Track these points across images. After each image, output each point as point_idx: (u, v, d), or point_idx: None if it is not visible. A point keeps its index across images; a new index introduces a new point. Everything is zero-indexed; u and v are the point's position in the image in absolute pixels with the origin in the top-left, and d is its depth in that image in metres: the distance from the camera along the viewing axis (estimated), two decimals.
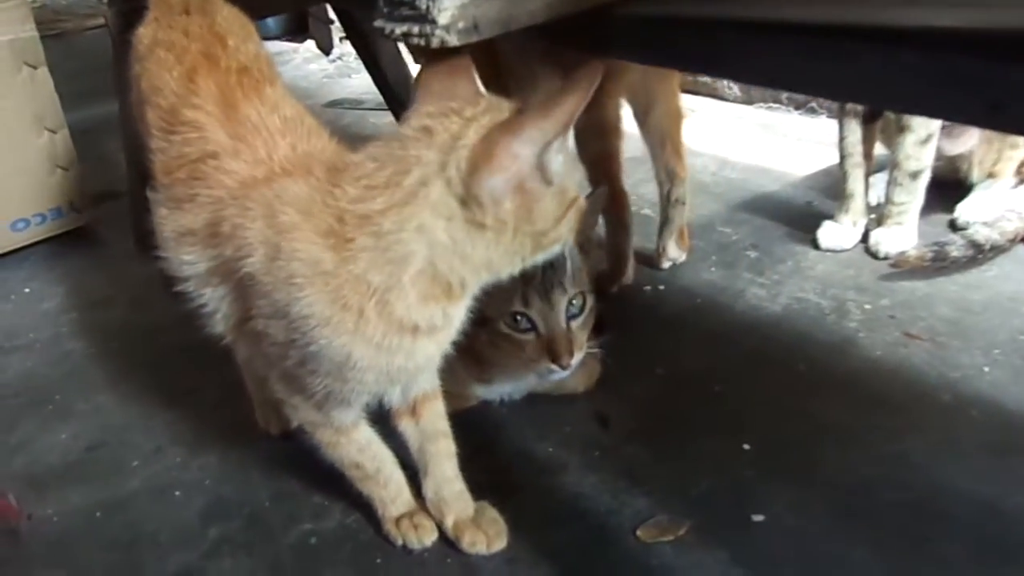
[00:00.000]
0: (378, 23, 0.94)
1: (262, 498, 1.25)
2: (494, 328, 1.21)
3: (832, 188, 1.93)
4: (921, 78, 0.76)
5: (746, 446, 1.25)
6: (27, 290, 1.93)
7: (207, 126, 1.01)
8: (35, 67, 1.91)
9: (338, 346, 0.89)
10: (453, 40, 0.89)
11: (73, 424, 1.45)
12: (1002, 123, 0.73)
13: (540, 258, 0.91)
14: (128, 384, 1.55)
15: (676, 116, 1.73)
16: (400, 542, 1.14)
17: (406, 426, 1.14)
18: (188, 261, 1.03)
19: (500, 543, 1.12)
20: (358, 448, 1.10)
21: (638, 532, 1.12)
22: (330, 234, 0.86)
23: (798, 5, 0.90)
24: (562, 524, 1.15)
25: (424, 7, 0.88)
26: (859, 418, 1.29)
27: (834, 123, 1.81)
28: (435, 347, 0.95)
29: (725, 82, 2.64)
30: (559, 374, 1.22)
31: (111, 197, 2.28)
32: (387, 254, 0.84)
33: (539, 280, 1.19)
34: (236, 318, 1.03)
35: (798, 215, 1.90)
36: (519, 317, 1.21)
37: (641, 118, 1.75)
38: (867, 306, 1.56)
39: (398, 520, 1.14)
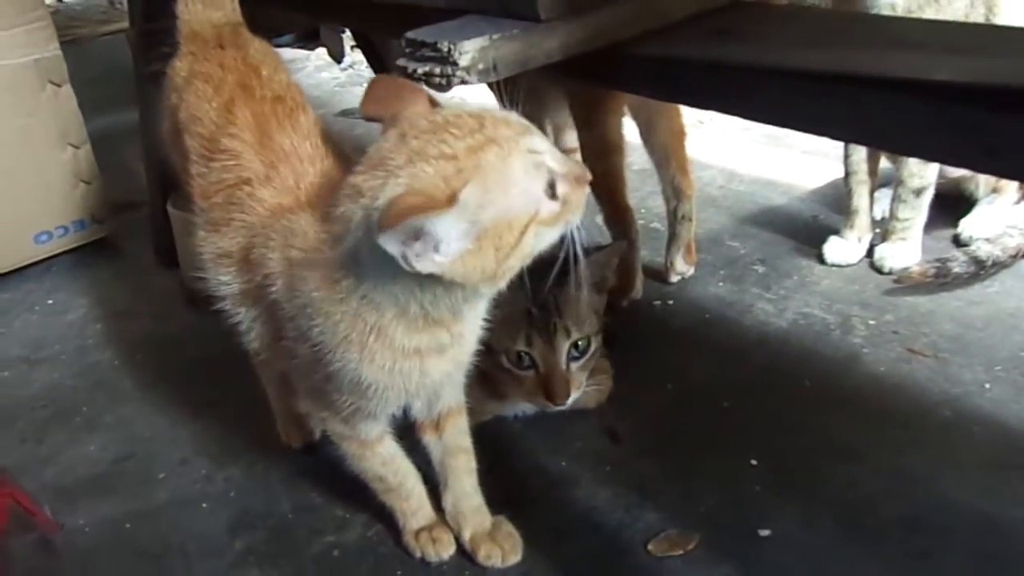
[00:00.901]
0: (400, 62, 0.98)
1: (285, 510, 1.30)
2: (496, 360, 1.27)
3: (838, 202, 1.96)
4: (920, 124, 0.80)
5: (753, 461, 1.29)
6: (51, 301, 1.98)
7: (243, 154, 1.07)
8: (59, 85, 1.96)
9: (351, 371, 0.94)
10: (473, 80, 0.94)
11: (101, 436, 1.50)
12: (997, 168, 0.77)
13: (525, 262, 0.89)
14: (153, 395, 1.60)
15: (679, 133, 1.75)
16: (419, 554, 1.19)
17: (429, 439, 1.18)
18: (224, 282, 1.09)
19: (515, 557, 1.16)
20: (382, 461, 1.15)
21: (649, 546, 1.16)
22: (326, 274, 0.91)
23: (802, 50, 0.94)
24: (575, 537, 1.20)
25: (446, 49, 0.92)
26: (863, 433, 1.33)
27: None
28: (449, 364, 0.99)
29: None
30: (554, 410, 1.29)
31: (130, 208, 2.33)
32: (365, 302, 0.89)
33: (544, 322, 1.25)
34: (269, 337, 1.09)
35: (804, 229, 1.94)
36: (521, 355, 1.27)
37: (645, 135, 1.78)
38: (871, 321, 1.59)
39: (417, 533, 1.19)
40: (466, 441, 1.19)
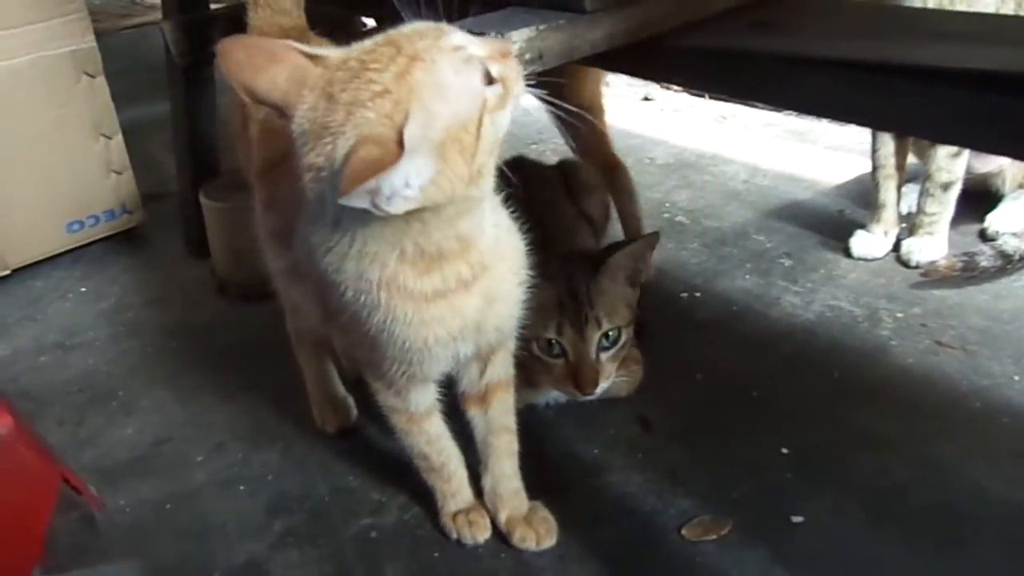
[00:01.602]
0: None
1: (322, 493, 1.32)
2: (526, 347, 1.28)
3: (863, 196, 1.97)
4: (957, 112, 0.82)
5: (784, 450, 1.31)
6: (83, 289, 2.01)
7: None
8: (94, 76, 1.99)
9: (385, 333, 0.93)
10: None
11: (137, 419, 1.53)
12: None
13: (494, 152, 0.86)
14: (188, 381, 1.62)
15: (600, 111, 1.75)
16: (455, 536, 1.21)
17: (475, 414, 1.18)
18: (273, 258, 1.12)
19: (550, 540, 1.18)
20: (427, 439, 1.16)
21: (683, 531, 1.18)
22: (327, 245, 0.90)
23: (841, 41, 0.96)
24: (610, 522, 1.22)
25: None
26: (892, 424, 1.34)
27: (864, 131, 1.85)
28: (480, 299, 0.95)
29: None
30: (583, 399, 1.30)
31: (158, 198, 2.36)
32: (366, 260, 0.88)
33: (575, 311, 1.27)
34: (320, 313, 1.10)
35: (830, 223, 1.95)
36: (551, 343, 1.28)
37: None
38: (899, 314, 1.61)
39: (455, 515, 1.21)
40: (510, 420, 1.19)
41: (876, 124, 1.06)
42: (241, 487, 1.35)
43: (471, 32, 0.96)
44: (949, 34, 0.98)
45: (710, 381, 1.48)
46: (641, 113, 2.81)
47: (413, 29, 0.82)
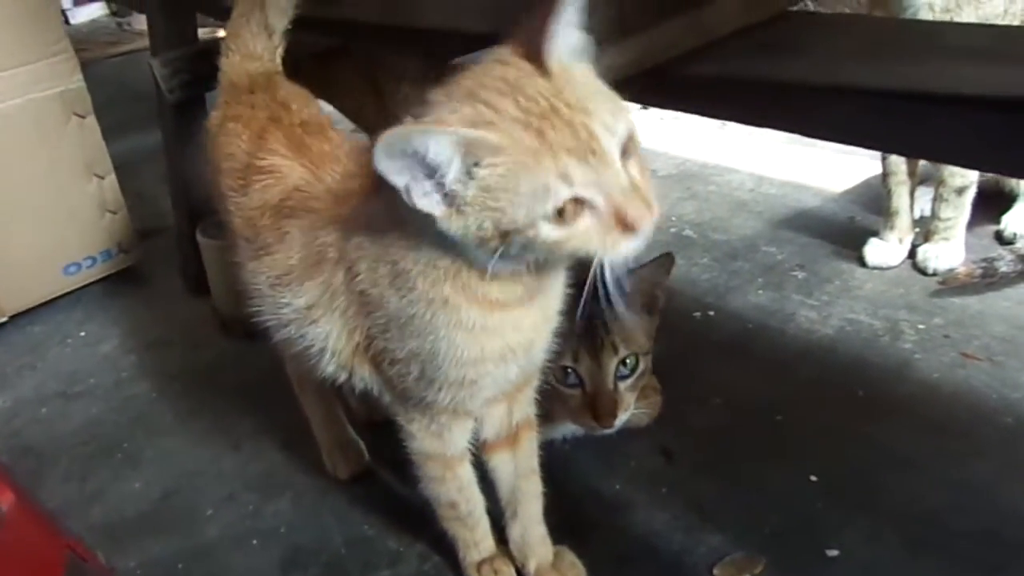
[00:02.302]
0: None
1: (337, 545, 1.28)
2: (543, 378, 1.23)
3: (874, 202, 1.94)
4: (981, 137, 0.78)
5: (813, 477, 1.27)
6: (83, 333, 1.97)
7: (282, 167, 1.05)
8: (83, 116, 1.95)
9: (443, 340, 0.90)
10: None
11: (144, 471, 1.49)
12: None
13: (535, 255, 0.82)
14: (194, 427, 1.58)
15: None
16: None
17: (503, 459, 1.14)
18: (286, 302, 1.04)
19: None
20: (459, 487, 1.11)
21: (715, 571, 1.14)
22: (391, 235, 0.88)
23: (855, 65, 0.92)
24: (637, 564, 1.18)
25: None
26: (921, 444, 1.30)
27: None
28: (539, 314, 0.94)
29: None
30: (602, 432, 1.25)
31: (153, 234, 2.33)
32: (429, 251, 0.86)
33: (591, 337, 1.22)
34: (351, 348, 1.03)
35: (841, 232, 1.91)
36: (568, 371, 1.23)
37: None
38: (920, 326, 1.57)
39: (479, 565, 1.17)
40: (535, 462, 1.16)
41: (896, 150, 1.02)
42: (254, 541, 1.31)
43: None
44: (962, 51, 0.94)
45: (731, 406, 1.44)
46: (640, 123, 2.76)
47: (579, 124, 0.75)
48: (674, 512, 1.25)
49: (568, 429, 1.37)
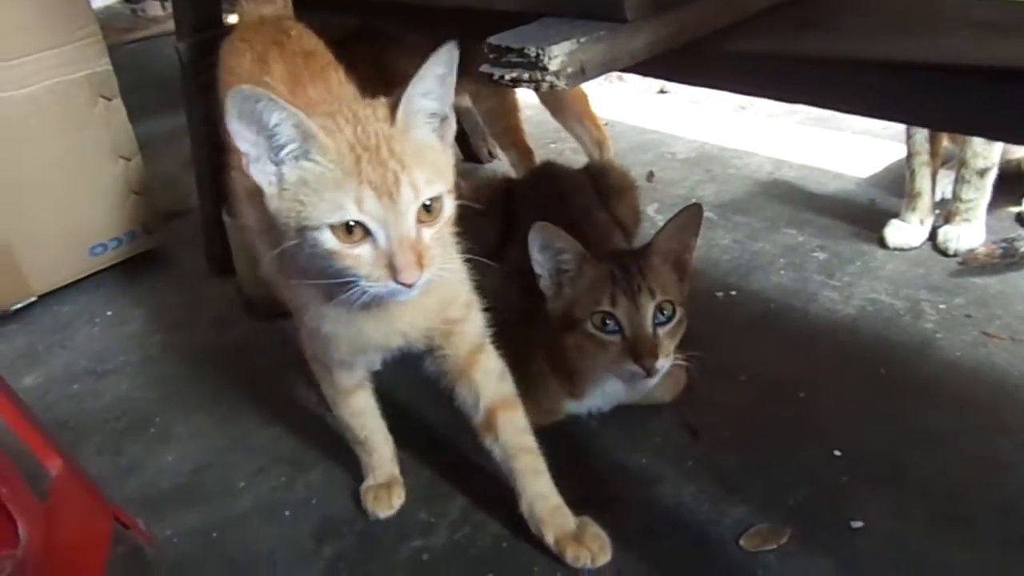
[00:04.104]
0: (485, 68, 0.97)
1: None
2: (582, 329, 1.25)
3: (893, 184, 1.94)
4: (1018, 109, 0.79)
5: (837, 452, 1.29)
6: (109, 313, 2.00)
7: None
8: (110, 99, 1.97)
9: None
10: (562, 84, 0.93)
11: (176, 446, 1.52)
12: None
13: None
14: (224, 404, 1.61)
15: (583, 96, 2.09)
16: (365, 507, 1.30)
17: (490, 444, 1.20)
18: (247, 215, 1.17)
19: (605, 557, 1.16)
20: (350, 413, 1.26)
21: (741, 541, 1.16)
22: None
23: (889, 38, 0.93)
24: (665, 535, 1.20)
25: (534, 54, 0.91)
26: (945, 420, 1.32)
27: None
28: (385, 323, 1.05)
29: None
30: (644, 380, 1.24)
31: (176, 216, 2.35)
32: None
33: (628, 283, 1.22)
34: None
35: (862, 213, 1.92)
36: (606, 319, 1.23)
37: (552, 105, 2.12)
38: (941, 305, 1.58)
39: (369, 488, 1.31)
40: (528, 440, 1.18)
41: (928, 123, 1.03)
42: (286, 512, 1.34)
43: (510, 47, 0.94)
44: (993, 25, 0.94)
45: (754, 383, 1.46)
46: (658, 106, 2.78)
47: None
48: (700, 485, 1.27)
49: (595, 404, 1.39)
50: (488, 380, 1.17)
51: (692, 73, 1.04)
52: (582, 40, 0.92)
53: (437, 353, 1.17)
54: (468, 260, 1.11)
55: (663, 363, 1.22)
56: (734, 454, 1.32)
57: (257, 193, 1.07)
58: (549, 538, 1.18)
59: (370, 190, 0.87)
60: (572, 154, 2.32)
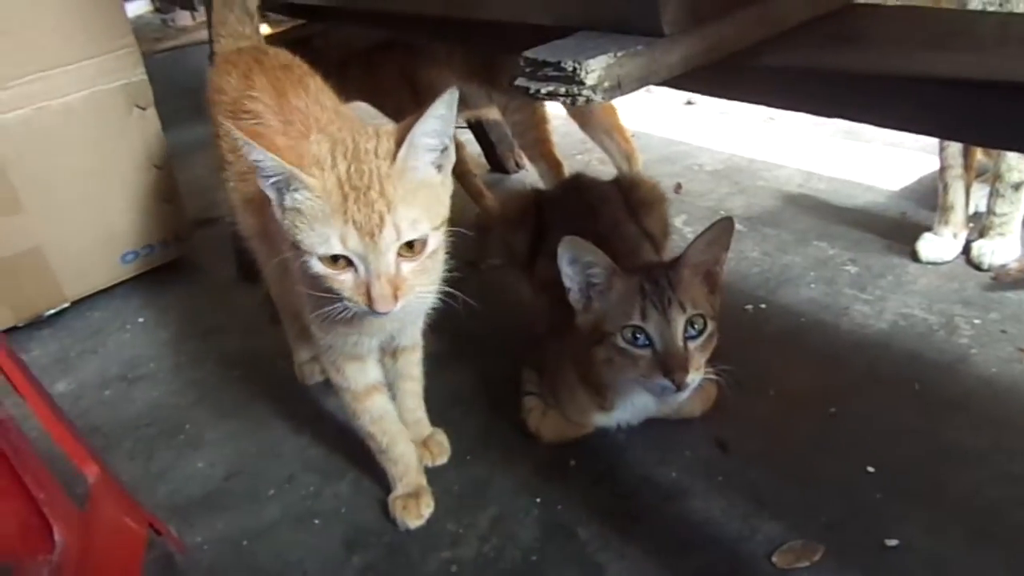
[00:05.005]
0: (520, 82, 0.98)
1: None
2: (612, 343, 1.24)
3: (925, 197, 1.92)
4: None
5: (870, 468, 1.27)
6: (141, 320, 2.02)
7: (264, 113, 1.23)
8: (144, 108, 2.00)
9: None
10: (598, 98, 0.93)
11: (207, 453, 1.53)
12: None
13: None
14: (253, 411, 1.62)
15: (610, 108, 2.09)
16: (393, 517, 1.31)
17: (388, 365, 1.36)
18: (248, 223, 1.34)
19: (442, 459, 1.42)
20: (371, 419, 1.29)
21: (774, 558, 1.15)
22: None
23: (927, 54, 0.92)
24: (696, 550, 1.19)
25: (571, 68, 0.92)
26: (980, 437, 1.30)
27: None
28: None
29: None
30: (675, 394, 1.22)
31: (205, 224, 2.38)
32: None
33: (658, 296, 1.21)
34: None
35: (893, 227, 1.90)
36: (636, 333, 1.22)
37: (580, 118, 2.15)
38: (976, 321, 1.56)
39: (397, 498, 1.33)
40: (415, 371, 1.40)
41: (966, 138, 1.02)
42: (316, 521, 1.34)
43: (546, 60, 0.94)
44: None
45: (785, 397, 1.45)
46: (685, 118, 2.78)
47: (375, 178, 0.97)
48: (731, 500, 1.26)
49: (624, 417, 1.39)
50: (408, 330, 1.32)
51: (727, 87, 1.03)
52: (619, 54, 0.93)
53: None
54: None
55: (694, 377, 1.21)
56: (765, 469, 1.31)
57: (254, 201, 1.23)
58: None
59: (354, 229, 0.94)
60: (599, 165, 2.32)
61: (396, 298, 0.98)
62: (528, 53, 0.97)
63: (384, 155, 0.98)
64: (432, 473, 1.38)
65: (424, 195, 0.99)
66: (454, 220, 1.07)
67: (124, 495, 1.10)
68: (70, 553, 0.94)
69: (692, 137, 2.58)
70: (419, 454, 1.37)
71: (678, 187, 2.22)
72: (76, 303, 2.06)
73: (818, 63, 0.97)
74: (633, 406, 1.36)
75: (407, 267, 0.99)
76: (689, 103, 2.88)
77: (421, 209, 0.98)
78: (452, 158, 1.04)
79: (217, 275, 2.18)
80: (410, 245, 0.98)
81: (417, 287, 1.01)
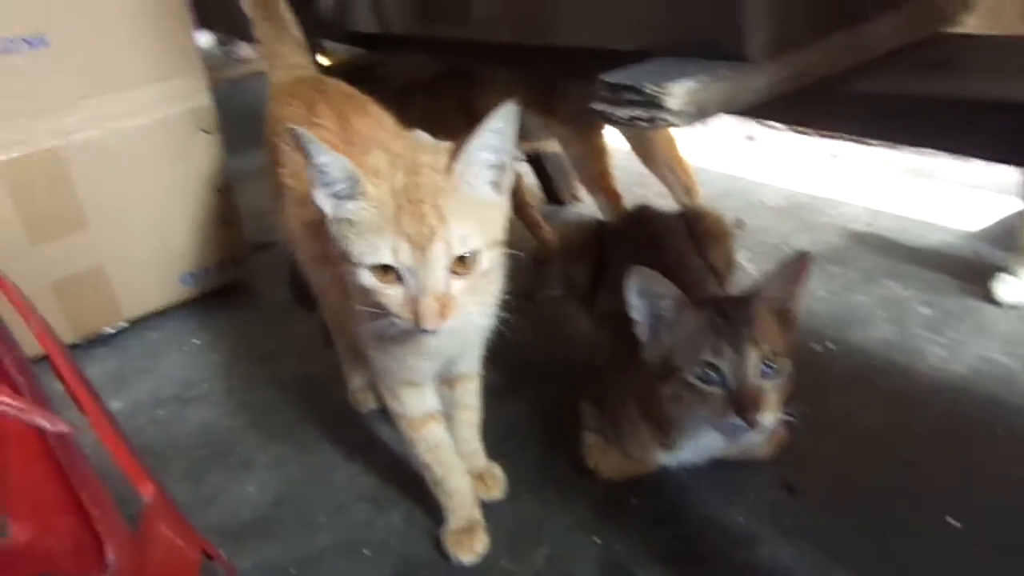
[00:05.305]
0: (598, 106, 0.95)
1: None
2: (681, 379, 1.18)
3: (1000, 238, 1.85)
4: None
5: (951, 519, 1.20)
6: (196, 341, 2.03)
7: (327, 138, 1.18)
8: (209, 132, 2.02)
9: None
10: (680, 124, 0.90)
11: (257, 476, 1.51)
12: None
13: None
14: (305, 437, 1.60)
15: (671, 139, 2.07)
16: (445, 552, 1.27)
17: (445, 392, 1.33)
18: (307, 247, 1.30)
19: (498, 494, 1.38)
20: (427, 447, 1.27)
21: None
22: None
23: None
24: None
25: (652, 93, 0.89)
26: None
27: (992, 167, 1.74)
28: (446, 342, 1.15)
29: None
30: (746, 433, 1.15)
31: (262, 248, 2.38)
32: None
33: (732, 332, 1.16)
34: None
35: (966, 268, 1.83)
36: (709, 369, 1.16)
37: (639, 149, 2.11)
38: None
39: (453, 532, 1.29)
40: (472, 400, 1.36)
41: None
42: (366, 551, 1.31)
43: (626, 84, 0.92)
44: None
45: (857, 442, 1.38)
46: (745, 153, 2.73)
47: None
48: (799, 547, 1.20)
49: (687, 457, 1.33)
50: (466, 357, 1.28)
51: (811, 115, 1.00)
52: (703, 79, 0.90)
53: None
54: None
55: (769, 417, 1.14)
56: (836, 516, 1.24)
57: (311, 225, 1.21)
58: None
59: (405, 241, 0.93)
60: (657, 199, 2.28)
61: (444, 316, 0.96)
62: (607, 77, 0.95)
63: (440, 169, 0.97)
64: (487, 507, 1.33)
65: (478, 212, 0.98)
66: (511, 246, 1.04)
67: (178, 517, 1.08)
68: (122, 573, 0.92)
69: (752, 173, 2.54)
70: (474, 487, 1.33)
71: (740, 222, 2.17)
72: (133, 323, 2.08)
73: (911, 89, 0.93)
74: (697, 445, 1.31)
75: (457, 285, 0.97)
76: (749, 138, 2.84)
77: (474, 225, 0.96)
78: (511, 177, 1.03)
79: (272, 300, 2.18)
80: (462, 262, 0.96)
81: (467, 307, 0.99)
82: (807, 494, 1.29)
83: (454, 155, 0.97)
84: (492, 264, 1.00)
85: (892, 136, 0.96)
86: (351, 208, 0.96)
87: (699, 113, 0.90)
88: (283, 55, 1.59)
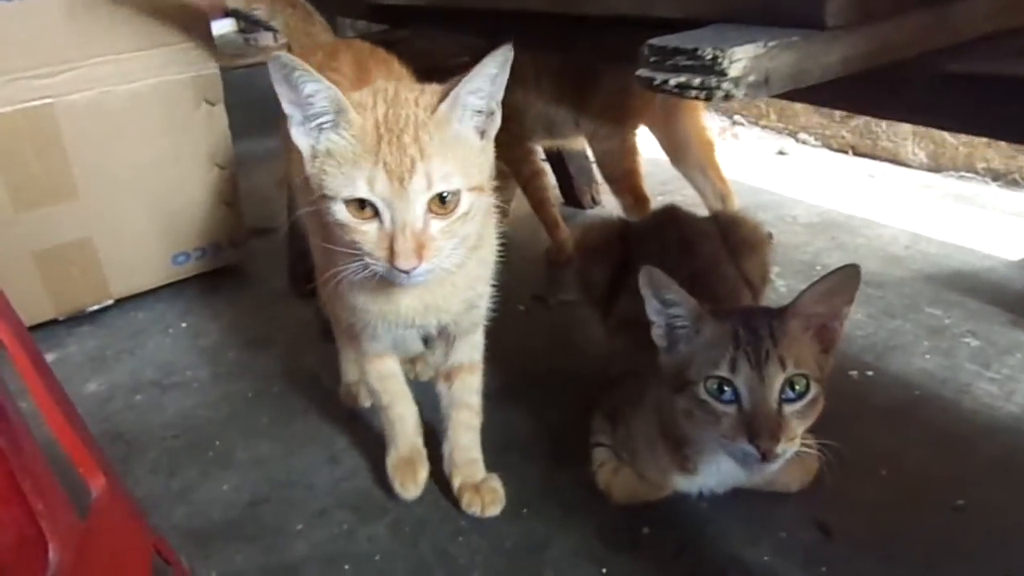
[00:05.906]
0: (643, 72, 0.83)
1: None
2: (693, 393, 1.04)
3: None
4: None
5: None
6: (184, 324, 1.91)
7: (341, 83, 1.07)
8: (213, 104, 1.91)
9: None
10: (740, 95, 0.78)
11: (234, 474, 1.39)
12: None
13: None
14: (289, 433, 1.48)
15: (709, 144, 1.97)
16: (392, 483, 1.26)
17: (440, 388, 1.29)
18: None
19: (494, 510, 1.24)
20: (377, 376, 1.25)
21: None
22: None
23: None
24: None
25: (710, 57, 0.77)
26: None
27: None
28: (417, 300, 1.09)
29: (909, 147, 2.44)
30: (759, 464, 1.01)
31: (263, 233, 2.27)
32: None
33: (755, 348, 1.02)
34: None
35: (1017, 300, 1.69)
36: (723, 386, 1.02)
37: (673, 153, 1.99)
38: None
39: (395, 462, 1.28)
40: (473, 399, 1.28)
41: None
42: (346, 566, 1.18)
43: (679, 48, 0.80)
44: None
45: (898, 480, 1.24)
46: (776, 168, 2.60)
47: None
48: None
49: (708, 483, 1.19)
50: (463, 347, 1.25)
51: (890, 98, 0.87)
52: (770, 44, 0.77)
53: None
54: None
55: (784, 447, 1.00)
56: (875, 562, 1.10)
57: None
58: (455, 483, 1.27)
59: (383, 172, 0.90)
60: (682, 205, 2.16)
61: (420, 256, 0.92)
62: (655, 40, 0.82)
63: (425, 105, 0.94)
64: (483, 526, 1.21)
65: (462, 151, 0.95)
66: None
67: (132, 513, 0.95)
68: (65, 569, 0.80)
69: (784, 188, 2.40)
70: (467, 499, 1.25)
71: (769, 236, 2.03)
72: (120, 301, 1.96)
73: (1001, 70, 0.80)
74: (719, 471, 1.16)
75: (436, 225, 0.93)
76: (781, 152, 2.71)
77: (456, 164, 0.93)
78: (497, 125, 1.00)
79: (268, 286, 2.06)
80: (442, 203, 0.93)
81: (445, 251, 0.95)
82: (843, 536, 1.15)
83: (443, 94, 0.94)
84: (473, 209, 0.96)
85: (970, 127, 0.83)
86: (333, 139, 0.93)
87: (764, 83, 0.78)
88: (313, 34, 1.60)
